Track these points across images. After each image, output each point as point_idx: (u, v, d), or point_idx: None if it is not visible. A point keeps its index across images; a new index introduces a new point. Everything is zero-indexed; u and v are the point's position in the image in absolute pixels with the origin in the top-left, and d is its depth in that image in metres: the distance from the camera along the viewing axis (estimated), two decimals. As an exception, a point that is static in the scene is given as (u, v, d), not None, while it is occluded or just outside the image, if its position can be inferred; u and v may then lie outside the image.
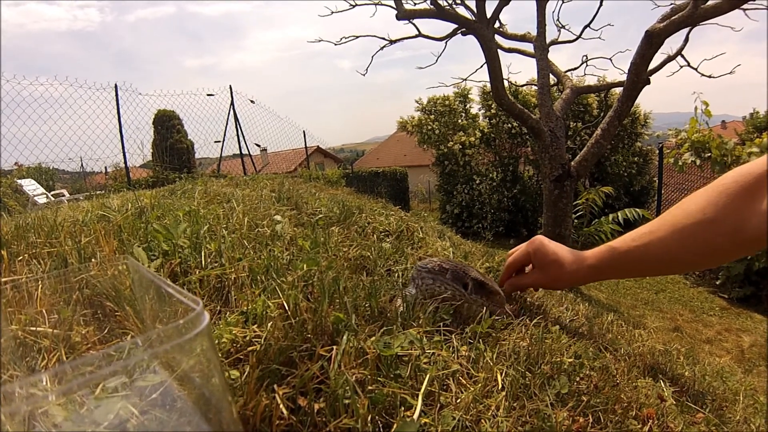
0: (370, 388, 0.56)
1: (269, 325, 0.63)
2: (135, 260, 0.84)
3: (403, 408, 0.57)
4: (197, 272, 1.03)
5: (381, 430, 0.53)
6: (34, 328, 0.79)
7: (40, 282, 0.86)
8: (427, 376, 0.62)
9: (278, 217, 1.50)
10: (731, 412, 1.25)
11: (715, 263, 0.90)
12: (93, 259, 1.06)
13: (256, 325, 0.67)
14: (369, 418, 0.52)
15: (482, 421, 0.60)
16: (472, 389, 0.66)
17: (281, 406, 0.49)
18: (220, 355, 0.61)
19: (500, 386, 0.69)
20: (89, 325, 0.85)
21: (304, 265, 0.92)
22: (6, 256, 1.12)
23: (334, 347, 0.60)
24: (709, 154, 6.54)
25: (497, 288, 0.97)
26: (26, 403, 0.33)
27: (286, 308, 0.68)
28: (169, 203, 1.89)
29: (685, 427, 0.88)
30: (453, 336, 0.82)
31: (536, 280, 1.05)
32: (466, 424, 0.59)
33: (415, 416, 0.55)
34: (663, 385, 1.09)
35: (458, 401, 0.63)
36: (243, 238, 1.27)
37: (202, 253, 1.12)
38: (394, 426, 0.52)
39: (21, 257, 1.14)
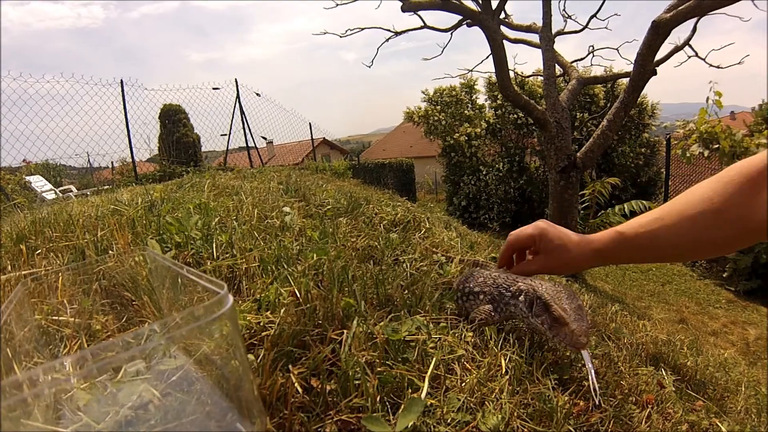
0: (379, 369, 0.59)
1: (282, 311, 0.66)
2: (153, 252, 0.87)
3: (410, 390, 0.60)
4: (209, 263, 1.06)
5: (389, 409, 0.56)
6: (56, 318, 0.82)
7: (60, 274, 0.90)
8: (434, 359, 0.65)
9: (287, 209, 1.53)
10: (733, 402, 1.28)
11: (721, 252, 0.92)
12: (110, 252, 1.09)
13: (269, 312, 0.70)
14: (378, 398, 0.55)
15: (486, 403, 0.63)
16: (476, 373, 0.68)
17: (296, 384, 0.52)
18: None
19: (504, 371, 0.72)
20: (108, 315, 0.88)
21: (314, 255, 0.94)
22: (25, 250, 1.16)
23: (345, 331, 0.63)
24: (717, 146, 6.49)
25: (566, 318, 0.77)
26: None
27: (298, 296, 0.71)
28: (179, 196, 1.92)
29: (684, 414, 0.91)
30: (460, 323, 0.84)
31: (542, 266, 1.04)
32: (471, 405, 0.62)
33: (422, 397, 0.58)
34: (664, 374, 1.11)
35: (463, 384, 0.66)
36: (253, 229, 1.30)
37: (214, 245, 1.15)
38: (402, 405, 0.55)
39: (39, 251, 1.18)
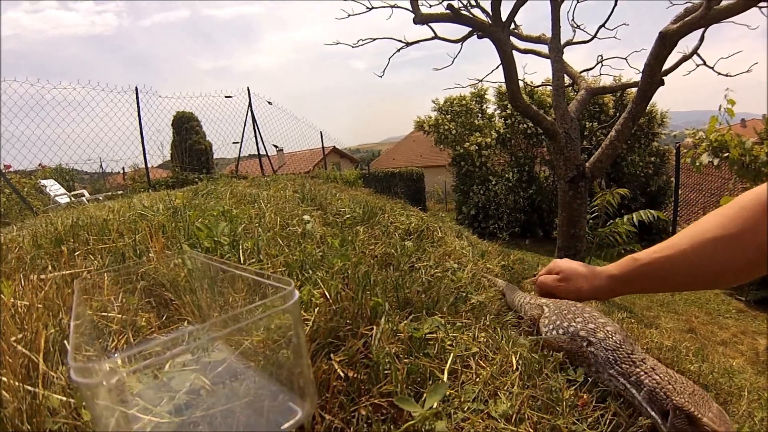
0: (405, 361, 0.66)
1: (316, 310, 0.73)
2: (198, 254, 0.95)
3: (431, 381, 0.68)
4: (237, 268, 1.13)
5: (414, 398, 0.64)
6: (105, 314, 0.90)
7: (105, 274, 0.98)
8: (451, 355, 0.73)
9: (307, 217, 1.61)
10: (736, 407, 1.32)
11: (737, 279, 0.86)
12: (149, 254, 1.17)
13: (302, 311, 0.77)
14: (405, 386, 0.62)
15: (499, 394, 0.70)
16: (490, 369, 0.76)
17: (339, 370, 0.59)
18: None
19: (515, 367, 0.79)
20: (149, 312, 0.96)
21: (338, 261, 1.02)
22: (66, 251, 1.25)
23: (374, 327, 0.71)
24: (727, 154, 6.47)
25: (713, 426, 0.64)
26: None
27: (328, 297, 0.79)
28: (200, 203, 2.01)
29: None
30: (473, 325, 0.92)
31: (556, 287, 1.10)
32: (485, 396, 0.69)
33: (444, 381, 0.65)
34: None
35: (478, 378, 0.73)
36: (276, 236, 1.38)
37: (240, 250, 1.22)
38: (425, 393, 0.62)
39: (78, 252, 1.27)
